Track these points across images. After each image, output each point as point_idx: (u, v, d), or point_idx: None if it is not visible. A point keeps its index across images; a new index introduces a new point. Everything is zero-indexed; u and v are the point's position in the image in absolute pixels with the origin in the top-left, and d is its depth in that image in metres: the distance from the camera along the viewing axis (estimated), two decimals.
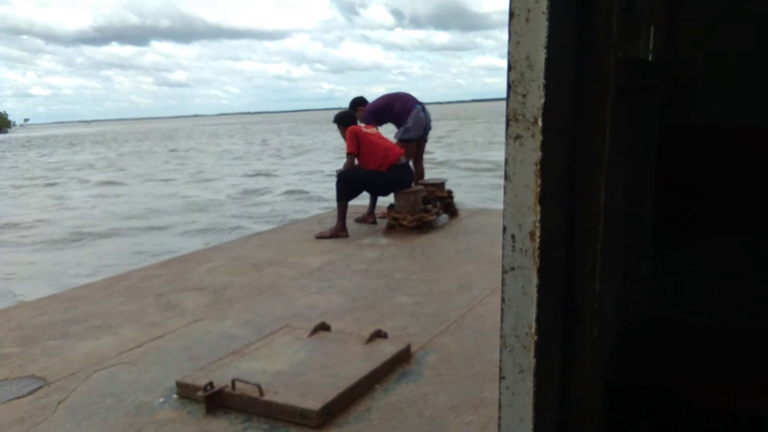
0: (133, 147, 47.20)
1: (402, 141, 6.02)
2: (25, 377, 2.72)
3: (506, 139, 0.97)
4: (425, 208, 5.57)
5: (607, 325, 1.43)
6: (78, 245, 10.73)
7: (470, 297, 3.56)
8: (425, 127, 6.22)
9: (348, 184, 5.37)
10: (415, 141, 6.16)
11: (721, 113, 1.75)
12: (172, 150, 39.49)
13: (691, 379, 1.53)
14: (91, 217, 13.53)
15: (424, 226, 5.42)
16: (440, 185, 6.11)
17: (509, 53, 0.95)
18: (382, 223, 5.70)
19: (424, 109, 6.17)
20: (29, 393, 2.55)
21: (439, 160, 20.92)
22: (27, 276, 8.67)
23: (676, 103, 1.77)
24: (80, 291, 4.16)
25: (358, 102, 6.22)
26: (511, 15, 0.93)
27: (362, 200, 5.92)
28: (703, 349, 1.68)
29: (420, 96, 6.26)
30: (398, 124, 6.12)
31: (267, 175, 21.08)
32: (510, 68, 0.95)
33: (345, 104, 6.42)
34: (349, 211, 5.47)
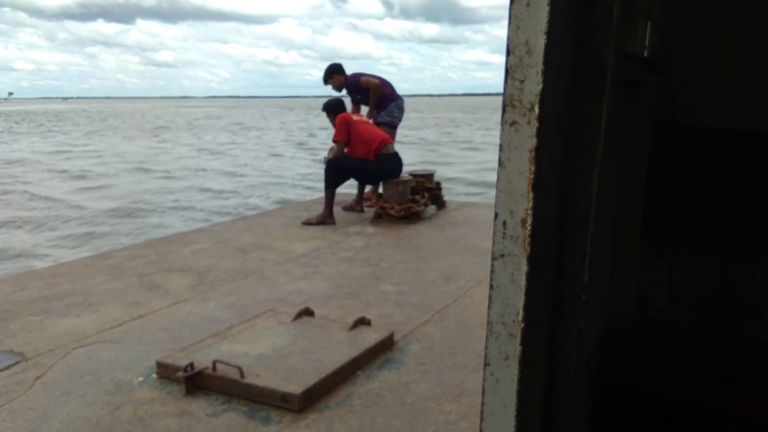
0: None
1: (383, 124, 6.05)
2: (3, 352, 2.68)
3: (502, 124, 0.96)
4: (413, 199, 5.58)
5: (593, 318, 1.43)
6: None
7: (455, 288, 3.56)
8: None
9: (336, 171, 5.35)
10: (394, 128, 6.23)
11: (711, 114, 1.75)
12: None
13: (671, 377, 1.54)
14: None
15: (411, 217, 5.43)
16: (429, 176, 6.12)
17: (508, 38, 0.93)
18: (370, 212, 5.69)
19: (402, 101, 6.34)
20: (6, 368, 2.52)
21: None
22: None
23: (667, 102, 1.77)
24: (62, 268, 4.11)
25: (335, 69, 6.01)
26: None
27: (350, 188, 5.90)
28: (685, 348, 1.70)
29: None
30: (380, 108, 6.15)
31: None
32: (509, 53, 0.93)
33: (336, 93, 6.28)
34: (336, 199, 5.46)
